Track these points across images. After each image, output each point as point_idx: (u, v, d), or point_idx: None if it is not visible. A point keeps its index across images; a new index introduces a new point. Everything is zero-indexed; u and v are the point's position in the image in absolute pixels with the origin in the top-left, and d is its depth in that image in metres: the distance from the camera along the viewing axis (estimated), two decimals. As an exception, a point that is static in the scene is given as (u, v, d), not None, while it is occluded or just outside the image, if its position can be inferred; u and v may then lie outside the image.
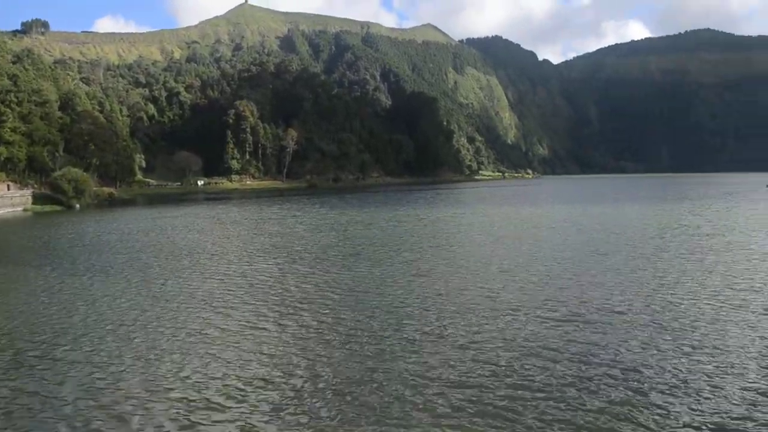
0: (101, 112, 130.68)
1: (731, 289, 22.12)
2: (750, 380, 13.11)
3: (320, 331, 17.33)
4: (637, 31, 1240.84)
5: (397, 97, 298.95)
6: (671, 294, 21.43)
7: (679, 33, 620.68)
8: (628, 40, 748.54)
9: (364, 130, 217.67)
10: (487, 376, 13.49)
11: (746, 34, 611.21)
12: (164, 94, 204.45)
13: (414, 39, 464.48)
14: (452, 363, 14.36)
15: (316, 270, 27.91)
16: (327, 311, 19.60)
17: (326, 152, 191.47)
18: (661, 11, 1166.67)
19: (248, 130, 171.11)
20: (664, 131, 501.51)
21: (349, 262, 30.09)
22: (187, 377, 13.73)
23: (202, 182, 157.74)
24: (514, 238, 40.32)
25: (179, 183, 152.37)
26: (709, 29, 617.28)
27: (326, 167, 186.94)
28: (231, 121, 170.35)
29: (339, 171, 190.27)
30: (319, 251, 34.42)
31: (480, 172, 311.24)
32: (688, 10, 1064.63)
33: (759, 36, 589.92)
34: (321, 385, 13.17)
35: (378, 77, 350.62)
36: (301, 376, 13.76)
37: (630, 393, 12.45)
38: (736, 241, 36.82)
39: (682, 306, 19.61)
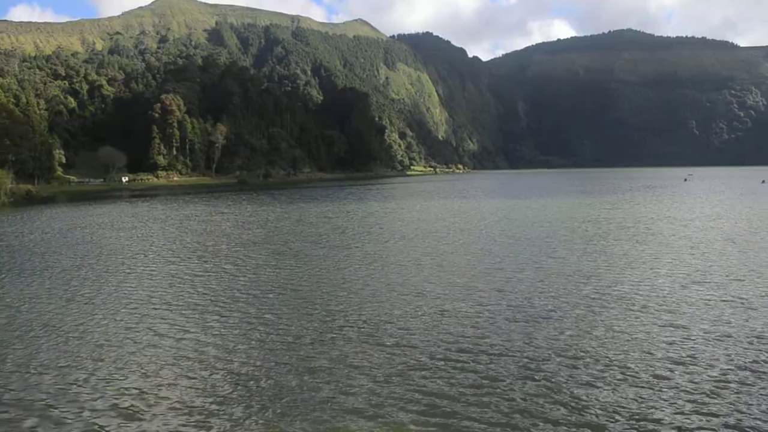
0: (16, 105, 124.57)
1: (654, 282, 23.08)
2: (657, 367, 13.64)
3: (243, 329, 17.04)
4: (562, 30, 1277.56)
5: (329, 92, 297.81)
6: (591, 287, 22.14)
7: (603, 33, 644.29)
8: (554, 38, 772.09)
9: (295, 125, 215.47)
10: (411, 369, 13.66)
11: (665, 35, 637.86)
12: (85, 87, 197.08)
13: (345, 34, 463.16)
14: (375, 357, 14.48)
15: (241, 268, 27.45)
16: (251, 310, 19.27)
17: (256, 148, 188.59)
18: (584, 11, 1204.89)
19: (175, 124, 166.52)
20: (588, 127, 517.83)
21: (276, 260, 29.71)
22: (98, 384, 13.15)
23: (127, 179, 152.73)
24: (443, 232, 40.73)
25: (102, 180, 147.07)
26: (630, 29, 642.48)
27: (256, 163, 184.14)
28: (157, 115, 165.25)
29: (270, 167, 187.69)
30: (245, 249, 33.86)
31: (412, 167, 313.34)
32: (609, 11, 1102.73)
33: (676, 37, 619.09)
34: (244, 383, 13.03)
35: (309, 72, 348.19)
36: (222, 375, 13.53)
37: (540, 385, 12.67)
38: (657, 232, 38.71)
39: (603, 297, 20.28)
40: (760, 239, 35.25)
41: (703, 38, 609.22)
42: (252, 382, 13.09)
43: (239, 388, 12.82)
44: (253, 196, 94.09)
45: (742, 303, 19.38)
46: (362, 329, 16.82)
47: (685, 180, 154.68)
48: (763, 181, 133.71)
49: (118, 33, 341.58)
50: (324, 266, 27.35)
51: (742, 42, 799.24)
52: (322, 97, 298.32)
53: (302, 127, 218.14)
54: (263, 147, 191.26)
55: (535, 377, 13.08)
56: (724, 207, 62.56)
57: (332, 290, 22.09)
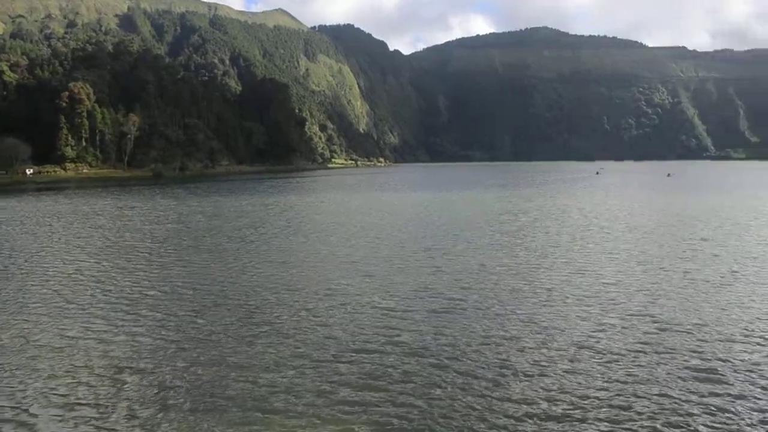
0: None
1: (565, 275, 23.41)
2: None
3: (151, 328, 16.27)
4: (481, 26, 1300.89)
5: (248, 83, 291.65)
6: (512, 278, 22.34)
7: (520, 30, 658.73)
8: (474, 34, 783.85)
9: (212, 116, 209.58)
10: (328, 364, 13.62)
11: (578, 34, 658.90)
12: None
13: (265, 24, 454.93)
14: (291, 354, 14.28)
15: (152, 265, 26.22)
16: (160, 309, 18.40)
17: (172, 139, 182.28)
18: (502, 8, 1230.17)
19: (84, 114, 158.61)
20: (507, 122, 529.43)
21: (189, 256, 28.55)
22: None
23: (32, 171, 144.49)
24: (360, 225, 40.53)
25: (5, 172, 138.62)
26: (546, 27, 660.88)
27: (172, 155, 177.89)
28: (64, 104, 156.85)
29: (186, 159, 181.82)
30: (156, 245, 32.39)
31: (333, 160, 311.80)
32: (526, 8, 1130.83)
33: (589, 36, 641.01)
34: (156, 383, 12.59)
35: (227, 62, 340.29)
36: (132, 375, 12.92)
37: (454, 377, 12.77)
38: (570, 223, 39.85)
39: (518, 289, 20.45)
40: (665, 229, 38.02)
41: (614, 38, 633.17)
42: (164, 382, 12.61)
43: (151, 388, 12.33)
44: (167, 190, 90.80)
45: (657, 294, 19.93)
46: (278, 326, 16.53)
47: (597, 173, 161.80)
48: (669, 175, 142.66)
49: (20, 16, 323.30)
50: (240, 262, 26.54)
51: (650, 42, 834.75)
52: (240, 88, 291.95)
53: (220, 118, 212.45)
54: (179, 138, 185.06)
55: (451, 370, 13.16)
56: (634, 199, 66.52)
57: (248, 286, 21.51)
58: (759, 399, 11.78)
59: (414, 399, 11.75)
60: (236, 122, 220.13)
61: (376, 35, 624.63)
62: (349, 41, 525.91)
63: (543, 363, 13.58)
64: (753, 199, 64.67)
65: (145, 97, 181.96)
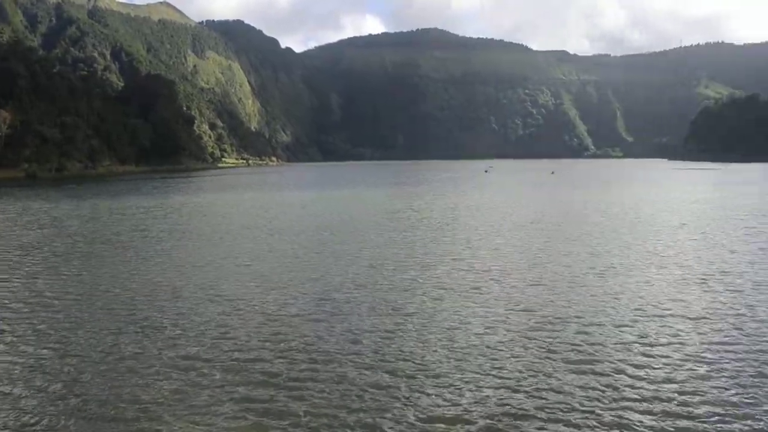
0: None
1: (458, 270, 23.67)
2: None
3: (13, 345, 14.71)
4: (373, 25, 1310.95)
5: (131, 79, 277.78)
6: (404, 275, 22.76)
7: (411, 30, 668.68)
8: (366, 33, 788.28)
9: (92, 113, 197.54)
10: (217, 369, 13.30)
11: (467, 36, 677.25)
12: None
13: (149, 17, 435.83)
14: (179, 360, 13.88)
15: (17, 274, 23.68)
16: (27, 322, 16.76)
17: (48, 138, 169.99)
18: (394, 8, 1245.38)
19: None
20: (399, 121, 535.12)
21: (61, 263, 26.29)
22: None
23: None
24: (250, 226, 39.55)
25: None
26: (437, 29, 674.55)
27: (49, 155, 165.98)
28: None
29: (64, 159, 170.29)
30: (23, 253, 29.39)
31: (223, 159, 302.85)
32: (417, 9, 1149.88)
33: (478, 38, 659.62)
34: (36, 393, 12.09)
35: (108, 56, 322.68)
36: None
37: (338, 382, 12.57)
38: (460, 219, 40.42)
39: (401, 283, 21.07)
40: (550, 224, 40.20)
41: (501, 40, 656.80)
42: (45, 391, 12.18)
43: (32, 399, 11.81)
44: (42, 192, 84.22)
45: (541, 289, 20.75)
46: (161, 332, 15.96)
47: (486, 171, 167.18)
48: (553, 172, 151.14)
49: None
50: (121, 268, 25.03)
51: (534, 46, 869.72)
52: (123, 84, 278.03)
53: (101, 116, 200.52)
54: (55, 137, 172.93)
55: (333, 373, 13.00)
56: (521, 195, 70.69)
57: (129, 294, 20.31)
58: (633, 386, 12.24)
59: (301, 403, 11.55)
60: (119, 120, 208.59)
61: (268, 32, 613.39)
62: (239, 38, 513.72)
63: (429, 360, 13.62)
64: (628, 193, 71.81)
65: (17, 92, 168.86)
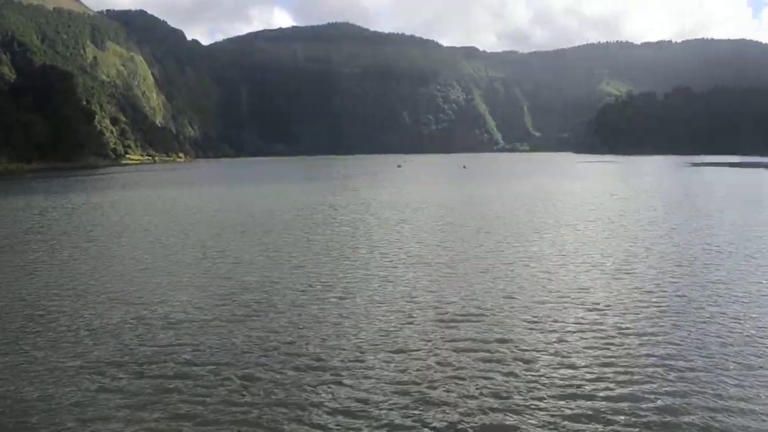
0: None
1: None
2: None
3: None
4: (282, 18, 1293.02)
5: (24, 71, 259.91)
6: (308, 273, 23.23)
7: (322, 24, 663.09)
8: (276, 26, 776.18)
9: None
10: (110, 377, 12.76)
11: (380, 30, 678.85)
12: None
13: (43, 5, 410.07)
14: (67, 367, 13.31)
15: None
16: None
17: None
18: (302, 2, 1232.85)
19: None
20: (312, 116, 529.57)
21: None
22: None
23: None
24: (153, 227, 38.07)
25: None
26: (348, 23, 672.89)
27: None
28: None
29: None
30: None
31: (127, 156, 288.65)
32: (327, 3, 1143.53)
33: (389, 33, 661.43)
34: None
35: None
36: None
37: (238, 383, 12.39)
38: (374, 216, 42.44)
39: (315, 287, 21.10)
40: (462, 218, 41.40)
41: (412, 36, 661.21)
42: None
43: None
44: None
45: (445, 285, 20.80)
46: (51, 339, 15.30)
47: (399, 166, 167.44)
48: (464, 166, 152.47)
49: None
50: (14, 274, 23.58)
51: (445, 42, 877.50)
52: (15, 76, 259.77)
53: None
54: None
55: (234, 375, 12.78)
56: (434, 190, 72.46)
57: (21, 297, 19.57)
58: (539, 376, 12.56)
59: (204, 408, 11.26)
60: (11, 115, 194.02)
61: (172, 23, 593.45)
62: (141, 29, 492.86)
63: (332, 363, 13.48)
64: (535, 185, 76.93)
65: None
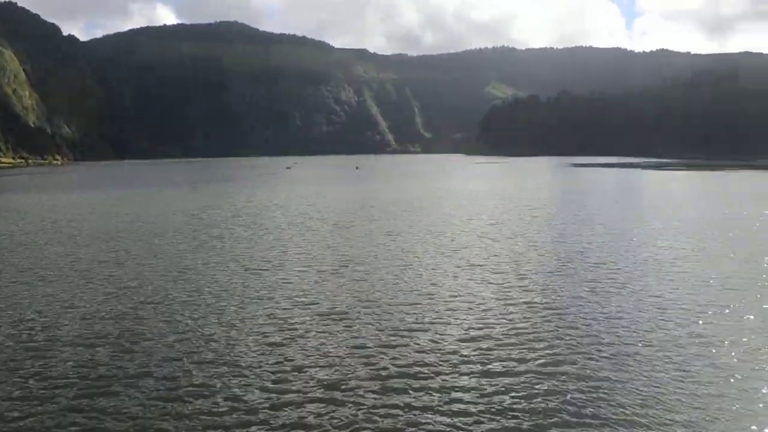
0: None
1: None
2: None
3: None
4: (166, 15, 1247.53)
5: None
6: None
7: (211, 23, 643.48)
8: (160, 23, 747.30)
9: None
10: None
11: (271, 31, 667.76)
12: None
13: None
14: None
15: None
16: None
17: None
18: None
19: None
20: (200, 117, 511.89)
21: None
22: None
23: None
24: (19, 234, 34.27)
25: None
26: (237, 22, 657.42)
27: None
28: None
29: None
30: None
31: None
32: (213, 2, 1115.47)
33: (280, 34, 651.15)
34: None
35: None
36: None
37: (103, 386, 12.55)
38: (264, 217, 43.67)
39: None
40: (351, 218, 43.35)
41: (304, 37, 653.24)
42: None
43: None
44: None
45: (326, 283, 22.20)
46: None
47: (288, 168, 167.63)
48: (357, 167, 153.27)
49: None
50: None
51: (336, 43, 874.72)
52: None
53: None
54: None
55: (99, 384, 12.74)
56: (327, 191, 74.03)
57: None
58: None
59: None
60: None
61: (46, 17, 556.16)
62: (11, 22, 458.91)
63: (203, 357, 14.16)
64: (429, 185, 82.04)
65: None
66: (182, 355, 14.29)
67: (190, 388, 12.32)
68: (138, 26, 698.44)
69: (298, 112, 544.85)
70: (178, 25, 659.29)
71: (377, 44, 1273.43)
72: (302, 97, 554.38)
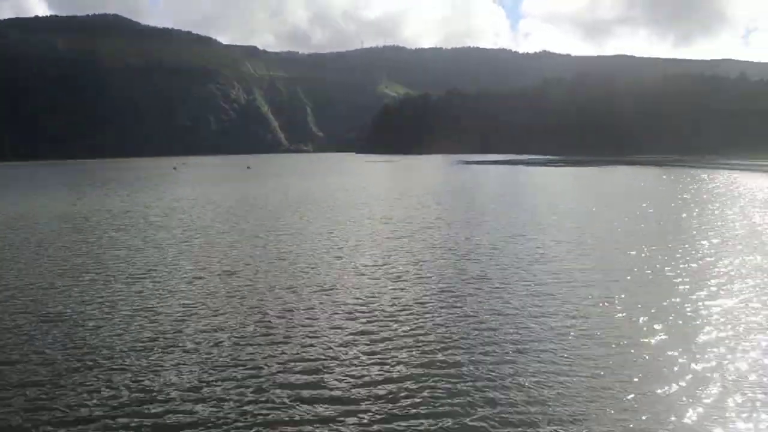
0: None
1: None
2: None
3: None
4: (36, 6, 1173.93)
5: None
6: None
7: (86, 15, 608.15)
8: (31, 15, 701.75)
9: None
10: None
11: (154, 25, 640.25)
12: None
13: None
14: None
15: None
16: None
17: None
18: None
19: None
20: (77, 115, 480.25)
21: None
22: None
23: None
24: None
25: None
26: (116, 15, 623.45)
27: None
28: None
29: None
30: None
31: None
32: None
33: (163, 28, 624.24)
34: None
35: None
36: None
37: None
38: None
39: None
40: (243, 217, 44.58)
41: (189, 32, 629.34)
42: None
43: None
44: None
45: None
46: None
47: (175, 168, 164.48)
48: (248, 167, 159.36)
49: None
50: None
51: (224, 40, 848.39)
52: None
53: None
54: None
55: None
56: (216, 191, 73.92)
57: None
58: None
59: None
60: None
61: None
62: None
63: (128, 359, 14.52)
64: (323, 184, 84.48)
65: None
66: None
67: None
68: (5, 17, 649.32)
69: (185, 110, 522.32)
70: (51, 17, 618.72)
71: (266, 41, 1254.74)
72: (189, 95, 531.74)
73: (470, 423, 10.95)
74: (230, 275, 23.75)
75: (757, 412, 11.39)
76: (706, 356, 14.18)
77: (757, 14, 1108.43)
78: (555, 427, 10.74)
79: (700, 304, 18.44)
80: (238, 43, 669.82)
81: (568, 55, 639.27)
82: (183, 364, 14.08)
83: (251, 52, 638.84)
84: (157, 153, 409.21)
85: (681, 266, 24.22)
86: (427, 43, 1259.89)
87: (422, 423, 11.02)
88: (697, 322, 16.66)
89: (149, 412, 11.64)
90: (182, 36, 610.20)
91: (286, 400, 12.09)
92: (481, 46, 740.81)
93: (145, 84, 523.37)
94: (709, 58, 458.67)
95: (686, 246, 29.09)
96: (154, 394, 12.48)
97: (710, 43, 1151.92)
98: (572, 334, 15.61)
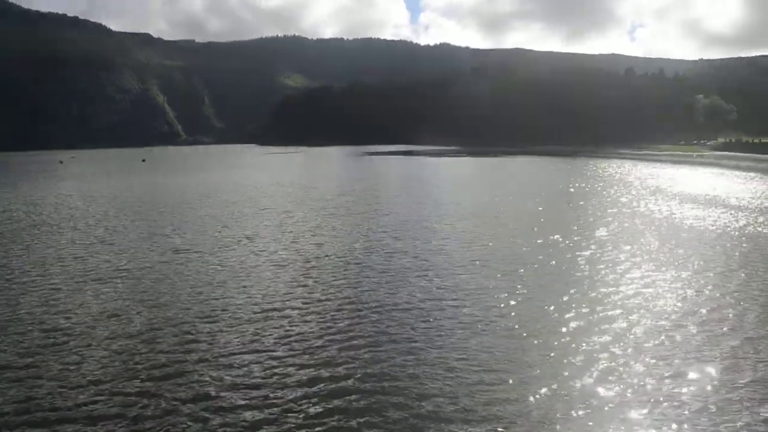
0: None
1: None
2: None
3: None
4: None
5: None
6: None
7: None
8: None
9: None
10: None
11: (34, 9, 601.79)
12: None
13: None
14: None
15: None
16: None
17: None
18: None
19: None
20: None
21: None
22: None
23: None
24: None
25: None
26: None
27: None
28: None
29: None
30: None
31: None
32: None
33: (49, 13, 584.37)
34: None
35: None
36: None
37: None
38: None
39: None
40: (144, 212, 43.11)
41: (76, 17, 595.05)
42: None
43: None
44: None
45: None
46: None
47: (61, 162, 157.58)
48: (144, 160, 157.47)
49: None
50: None
51: (114, 26, 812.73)
52: None
53: None
54: None
55: None
56: (113, 186, 71.13)
57: None
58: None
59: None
60: None
61: None
62: None
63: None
64: (223, 177, 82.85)
65: None
66: None
67: None
68: None
69: (73, 100, 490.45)
70: None
71: (161, 29, 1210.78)
72: (78, 85, 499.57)
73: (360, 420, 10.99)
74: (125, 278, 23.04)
75: (660, 406, 11.72)
76: (597, 342, 14.57)
77: (642, 10, 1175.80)
78: (442, 424, 10.76)
79: (590, 290, 19.04)
80: (131, 30, 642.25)
81: (467, 48, 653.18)
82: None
83: (144, 39, 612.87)
84: (45, 146, 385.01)
85: (569, 255, 24.94)
86: (327, 33, 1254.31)
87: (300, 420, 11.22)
88: (588, 309, 17.02)
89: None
90: (68, 21, 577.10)
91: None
92: (382, 38, 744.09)
93: (30, 73, 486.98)
94: (598, 53, 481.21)
95: (578, 232, 30.38)
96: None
97: (600, 38, 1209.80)
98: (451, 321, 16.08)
